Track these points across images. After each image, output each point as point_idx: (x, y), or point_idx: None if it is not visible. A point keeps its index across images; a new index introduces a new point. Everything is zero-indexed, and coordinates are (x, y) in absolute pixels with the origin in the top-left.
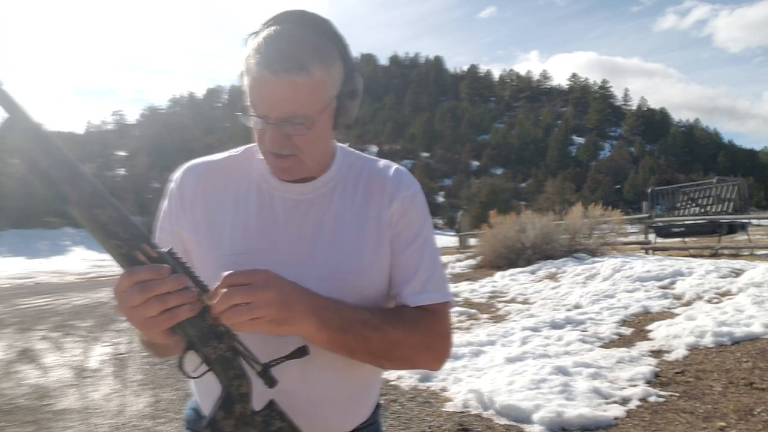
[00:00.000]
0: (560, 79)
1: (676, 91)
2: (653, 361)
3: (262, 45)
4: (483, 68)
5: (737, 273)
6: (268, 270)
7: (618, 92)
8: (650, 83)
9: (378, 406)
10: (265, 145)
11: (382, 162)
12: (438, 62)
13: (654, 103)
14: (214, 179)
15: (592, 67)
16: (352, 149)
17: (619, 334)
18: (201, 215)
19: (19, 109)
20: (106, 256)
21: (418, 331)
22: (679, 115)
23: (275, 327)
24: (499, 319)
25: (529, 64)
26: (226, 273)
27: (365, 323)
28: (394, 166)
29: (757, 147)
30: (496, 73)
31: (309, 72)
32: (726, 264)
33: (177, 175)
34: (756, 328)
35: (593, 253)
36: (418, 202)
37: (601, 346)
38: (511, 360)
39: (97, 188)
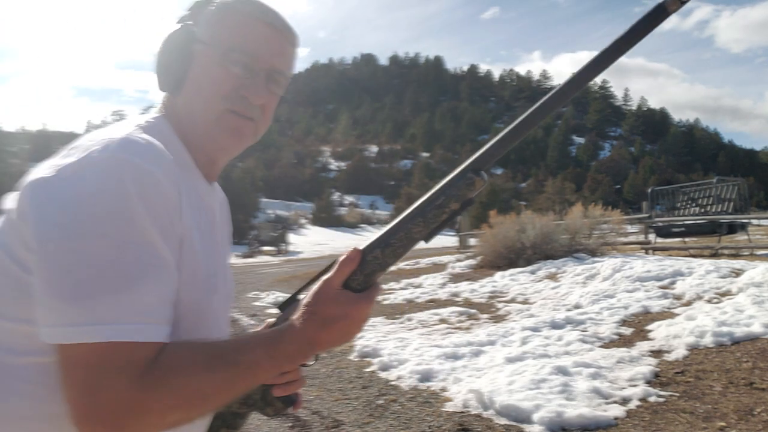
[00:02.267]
0: (563, 78)
1: (680, 91)
2: (653, 361)
3: (258, 5)
4: (483, 68)
5: (737, 273)
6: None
7: (618, 92)
8: (655, 83)
9: None
10: (241, 102)
11: None
12: (438, 62)
13: (658, 103)
14: (177, 179)
15: None
16: None
17: (619, 334)
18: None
19: None
20: None
21: None
22: (684, 115)
23: None
24: (499, 319)
25: (532, 65)
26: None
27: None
28: None
29: (760, 147)
30: (496, 73)
31: (297, 43)
32: (726, 264)
33: (152, 163)
34: (756, 328)
35: (593, 253)
36: None
37: (601, 346)
38: (511, 360)
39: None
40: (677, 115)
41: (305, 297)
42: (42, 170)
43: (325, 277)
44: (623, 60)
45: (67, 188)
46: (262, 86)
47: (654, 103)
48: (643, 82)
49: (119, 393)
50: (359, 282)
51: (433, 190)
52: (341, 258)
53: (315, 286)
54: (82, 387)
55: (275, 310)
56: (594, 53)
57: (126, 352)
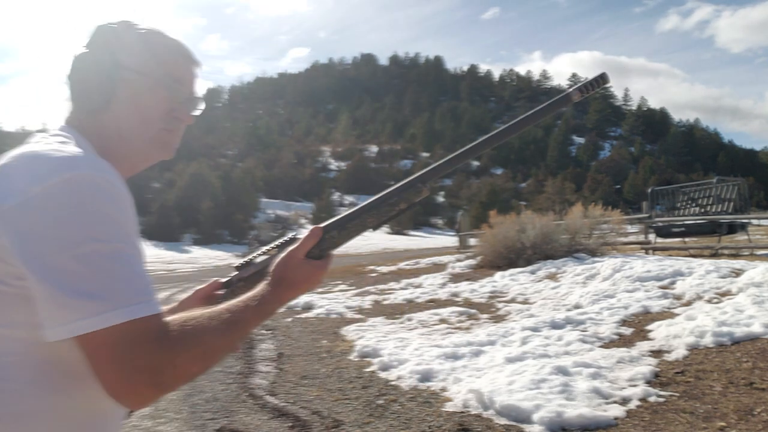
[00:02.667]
0: (564, 78)
1: (680, 91)
2: (653, 361)
3: (176, 40)
4: (483, 68)
5: (737, 273)
6: None
7: (618, 92)
8: (655, 83)
9: None
10: (173, 122)
11: None
12: (438, 62)
13: (659, 103)
14: None
15: (598, 66)
16: None
17: (619, 334)
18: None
19: None
20: None
21: None
22: (684, 115)
23: None
24: (499, 319)
25: (533, 65)
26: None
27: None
28: None
29: (760, 147)
30: (496, 73)
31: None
32: (726, 264)
33: (111, 176)
34: (756, 328)
35: (593, 253)
36: None
37: (601, 346)
38: (511, 360)
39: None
40: (678, 115)
41: (275, 265)
42: (5, 198)
43: (290, 249)
44: (624, 60)
45: (53, 209)
46: (189, 110)
47: (655, 103)
48: (644, 82)
49: (148, 357)
50: (316, 254)
51: (387, 191)
52: (305, 234)
53: (282, 256)
54: (116, 362)
55: (233, 271)
56: (594, 53)
57: (142, 325)
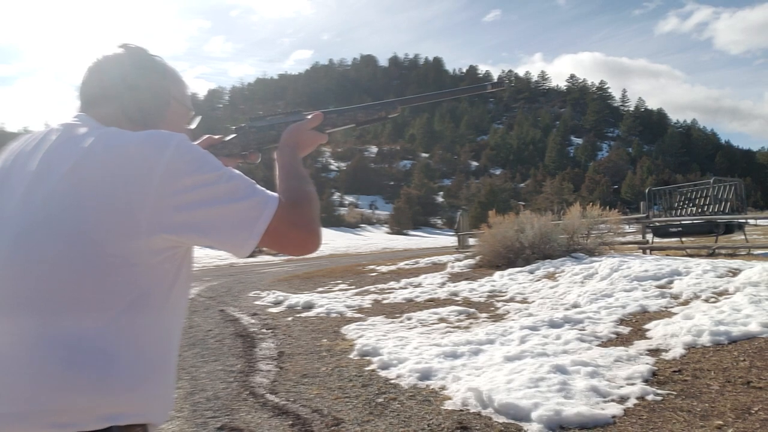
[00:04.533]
0: (561, 79)
1: (681, 92)
2: (651, 359)
3: (175, 70)
4: (482, 69)
5: (734, 272)
6: None
7: (616, 93)
8: (657, 84)
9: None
10: (185, 128)
11: None
12: (437, 63)
13: (660, 104)
14: None
15: (599, 67)
16: None
17: (617, 333)
18: None
19: None
20: None
21: None
22: (686, 116)
23: None
24: (497, 318)
25: (534, 66)
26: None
27: None
28: None
29: (757, 148)
30: (495, 75)
31: None
32: (723, 263)
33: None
34: (753, 327)
35: (591, 252)
36: None
37: (599, 345)
38: (509, 359)
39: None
40: (679, 116)
41: (290, 132)
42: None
43: (299, 123)
44: (626, 61)
45: (190, 158)
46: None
47: (656, 104)
48: (646, 82)
49: (299, 218)
50: (319, 129)
51: (376, 102)
52: (313, 114)
53: (294, 125)
54: (294, 228)
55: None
56: (596, 54)
57: (280, 204)
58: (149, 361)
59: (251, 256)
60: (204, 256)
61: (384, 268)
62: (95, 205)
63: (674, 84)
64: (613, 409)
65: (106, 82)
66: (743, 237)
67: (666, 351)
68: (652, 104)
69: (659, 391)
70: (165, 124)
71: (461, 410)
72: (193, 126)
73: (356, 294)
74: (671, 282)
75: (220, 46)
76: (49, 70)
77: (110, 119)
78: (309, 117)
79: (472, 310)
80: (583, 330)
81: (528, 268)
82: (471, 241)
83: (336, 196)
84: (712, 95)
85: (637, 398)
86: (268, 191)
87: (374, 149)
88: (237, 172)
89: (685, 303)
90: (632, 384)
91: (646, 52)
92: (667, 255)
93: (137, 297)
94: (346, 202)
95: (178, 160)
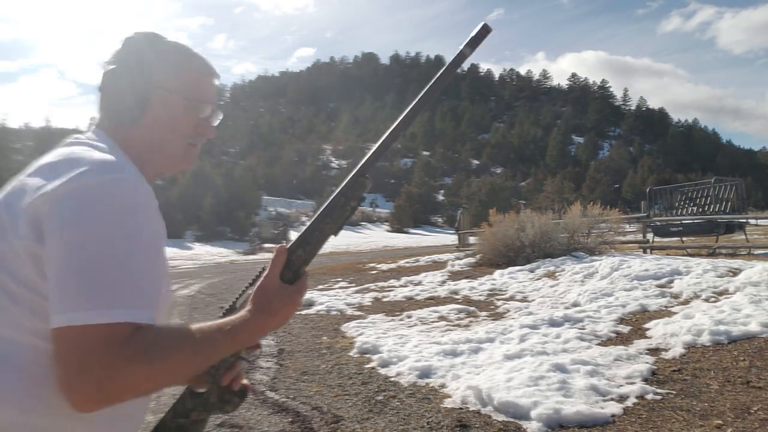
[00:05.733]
0: (563, 78)
1: (684, 91)
2: (650, 359)
3: (199, 56)
4: (483, 67)
5: (734, 272)
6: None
7: (617, 92)
8: (660, 83)
9: None
10: (198, 137)
11: None
12: (439, 61)
13: (664, 103)
14: None
15: (603, 66)
16: None
17: (617, 332)
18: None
19: None
20: None
21: None
22: (689, 115)
23: None
24: (498, 316)
25: (536, 65)
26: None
27: None
28: None
29: (759, 147)
30: (497, 73)
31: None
32: (723, 263)
33: (133, 182)
34: (753, 326)
35: (592, 251)
36: None
37: (598, 344)
38: (509, 357)
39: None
40: (682, 115)
41: (254, 293)
42: (48, 188)
43: (264, 276)
44: (630, 60)
45: (89, 206)
46: (212, 125)
47: (660, 103)
48: (650, 81)
49: (99, 363)
50: (289, 277)
51: (333, 195)
52: (272, 257)
53: (258, 284)
54: (70, 360)
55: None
56: (599, 53)
57: (107, 330)
58: None
59: (251, 253)
60: (205, 253)
61: (384, 266)
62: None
63: (678, 83)
64: (613, 408)
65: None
66: (744, 237)
67: (666, 350)
68: (655, 103)
69: (659, 391)
70: (153, 123)
71: (461, 408)
72: (213, 124)
73: (356, 292)
74: (671, 281)
75: (222, 43)
76: (53, 68)
77: (102, 124)
78: (270, 264)
79: (472, 308)
80: (583, 329)
81: (528, 266)
82: (471, 239)
83: None
84: (716, 95)
85: (637, 397)
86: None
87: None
88: None
89: (686, 302)
90: (632, 383)
91: (649, 51)
92: (667, 254)
93: None
94: None
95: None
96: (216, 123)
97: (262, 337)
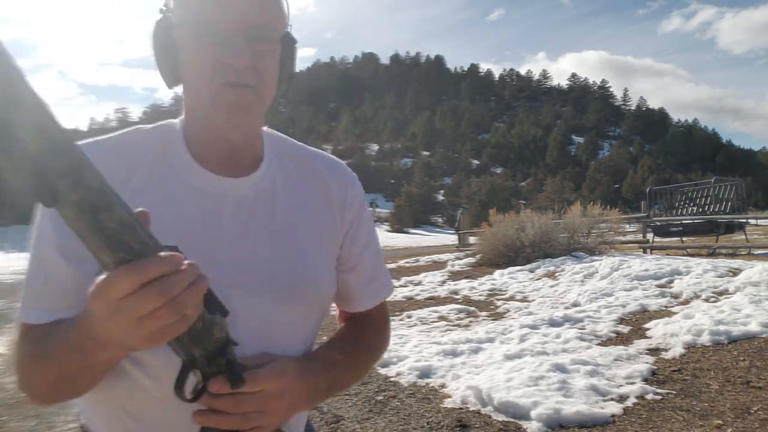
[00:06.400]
0: (563, 78)
1: (685, 91)
2: (650, 359)
3: None
4: (483, 67)
5: (735, 272)
6: (283, 364)
7: (617, 92)
8: (661, 83)
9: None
10: (222, 72)
11: (316, 150)
12: (439, 62)
13: (665, 103)
14: (118, 165)
15: (604, 66)
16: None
17: (617, 332)
18: None
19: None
20: None
21: (377, 337)
22: (689, 115)
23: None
24: (498, 316)
25: (537, 65)
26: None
27: (336, 365)
28: (331, 156)
29: (759, 147)
30: (497, 73)
31: None
32: (723, 263)
33: None
34: (753, 327)
35: (592, 251)
36: (363, 197)
37: (598, 344)
38: (509, 357)
39: (103, 182)
40: (683, 115)
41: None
42: None
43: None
44: (631, 60)
45: None
46: (241, 47)
47: (660, 103)
48: (651, 81)
49: (14, 361)
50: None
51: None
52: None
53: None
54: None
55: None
56: (600, 53)
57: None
58: None
59: None
60: None
61: None
62: None
63: (678, 83)
64: (613, 408)
65: None
66: (744, 237)
67: (666, 350)
68: (656, 103)
69: (659, 391)
70: (185, 72)
71: (461, 408)
72: (236, 61)
73: None
74: (671, 281)
75: None
76: (53, 68)
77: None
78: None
79: (472, 308)
80: (583, 329)
81: (528, 266)
82: (471, 239)
83: None
84: (716, 95)
85: (637, 397)
86: None
87: (375, 147)
88: None
89: (686, 302)
90: (632, 383)
91: (650, 51)
92: (667, 254)
93: None
94: None
95: None
96: (260, 47)
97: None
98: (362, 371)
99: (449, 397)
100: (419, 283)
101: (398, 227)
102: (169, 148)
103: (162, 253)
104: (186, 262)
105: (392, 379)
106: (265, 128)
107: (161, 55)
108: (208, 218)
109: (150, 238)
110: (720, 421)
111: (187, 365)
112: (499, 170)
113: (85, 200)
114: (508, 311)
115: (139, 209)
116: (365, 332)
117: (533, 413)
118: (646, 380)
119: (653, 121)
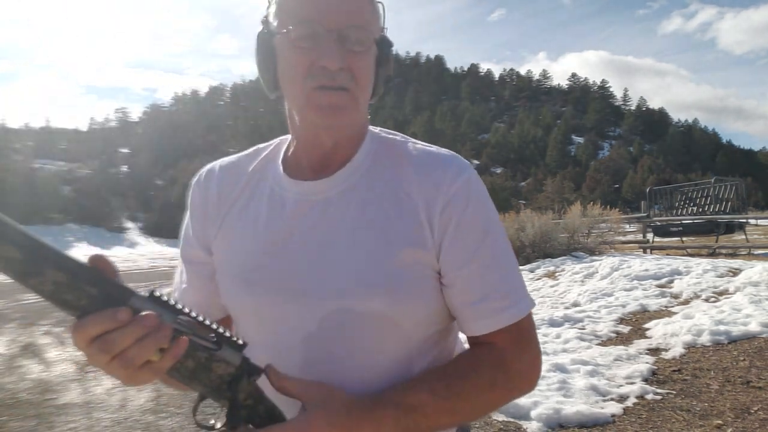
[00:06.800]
0: (563, 78)
1: (686, 91)
2: (650, 359)
3: None
4: (483, 67)
5: (734, 272)
6: (311, 417)
7: (618, 92)
8: (662, 83)
9: None
10: (317, 76)
11: (422, 148)
12: (439, 62)
13: (665, 103)
14: (228, 182)
15: (605, 66)
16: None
17: (617, 332)
18: (218, 225)
19: None
20: (111, 252)
21: (492, 374)
22: (690, 115)
23: None
24: None
25: (538, 65)
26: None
27: (417, 410)
28: (435, 152)
29: (759, 147)
30: (497, 73)
31: None
32: (723, 263)
33: (196, 178)
34: (753, 326)
35: (592, 251)
36: (467, 198)
37: (599, 344)
38: None
39: (32, 247)
40: (684, 115)
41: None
42: None
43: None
44: (632, 60)
45: None
46: (334, 50)
47: (662, 103)
48: (652, 81)
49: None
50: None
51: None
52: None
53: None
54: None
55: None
56: (601, 53)
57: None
58: None
59: None
60: None
61: None
62: None
63: (680, 83)
64: (613, 408)
65: None
66: (744, 237)
67: (666, 350)
68: (658, 103)
69: (659, 390)
70: (283, 78)
71: None
72: (329, 63)
73: None
74: (671, 281)
75: (226, 43)
76: (53, 68)
77: None
78: None
79: None
80: (583, 329)
81: (528, 266)
82: None
83: None
84: (718, 95)
85: (637, 397)
86: None
87: None
88: None
89: (686, 302)
90: (632, 383)
91: (651, 52)
92: (667, 254)
93: None
94: None
95: None
96: (355, 48)
97: None
98: (464, 417)
99: None
100: None
101: None
102: (269, 165)
103: (106, 310)
104: (143, 314)
105: None
106: (372, 128)
107: (262, 63)
108: (290, 225)
109: (103, 287)
110: (720, 421)
111: (200, 396)
112: (499, 170)
113: (9, 269)
114: None
115: (94, 254)
116: (478, 366)
117: (533, 413)
118: (646, 380)
119: (653, 121)
